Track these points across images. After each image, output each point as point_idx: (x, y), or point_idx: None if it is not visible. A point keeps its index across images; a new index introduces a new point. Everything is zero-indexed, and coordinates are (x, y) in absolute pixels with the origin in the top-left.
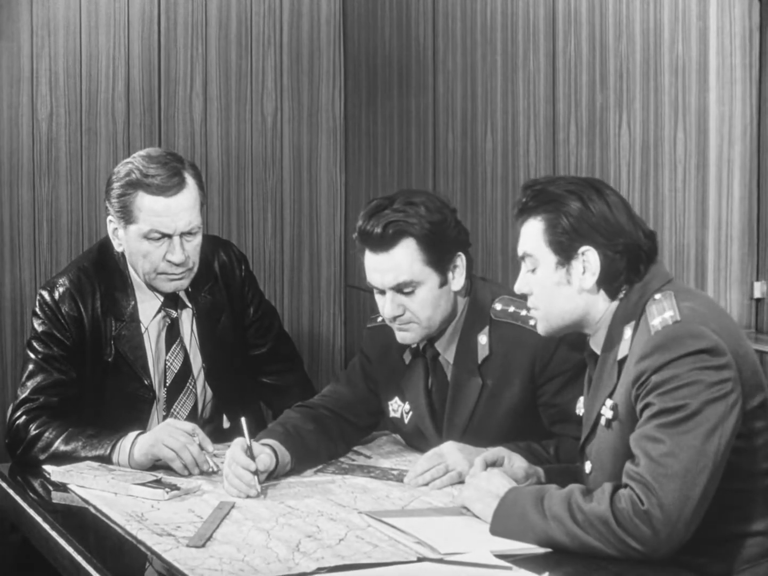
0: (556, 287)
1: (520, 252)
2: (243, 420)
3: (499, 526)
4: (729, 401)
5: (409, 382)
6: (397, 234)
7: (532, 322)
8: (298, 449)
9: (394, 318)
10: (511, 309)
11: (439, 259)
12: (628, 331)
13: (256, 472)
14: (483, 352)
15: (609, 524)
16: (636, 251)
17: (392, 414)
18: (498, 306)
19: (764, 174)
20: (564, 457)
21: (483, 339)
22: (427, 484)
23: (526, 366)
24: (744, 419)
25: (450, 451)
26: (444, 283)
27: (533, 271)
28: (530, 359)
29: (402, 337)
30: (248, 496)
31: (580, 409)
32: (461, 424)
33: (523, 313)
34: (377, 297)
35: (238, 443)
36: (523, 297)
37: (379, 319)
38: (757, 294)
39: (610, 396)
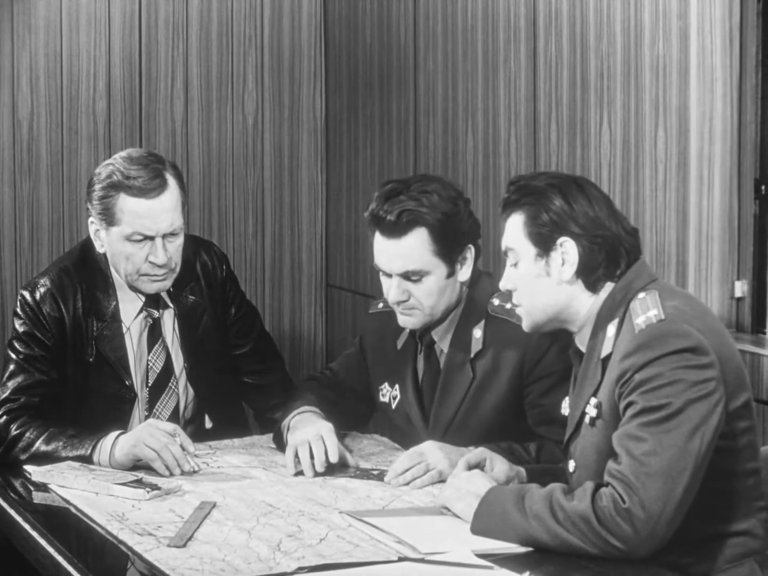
0: (536, 279)
1: (503, 247)
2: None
3: (480, 526)
4: (712, 401)
5: (399, 368)
6: (411, 223)
7: None
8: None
9: (398, 303)
10: (508, 305)
11: (449, 250)
12: (611, 329)
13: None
14: (476, 345)
15: (590, 522)
16: (615, 245)
17: (381, 399)
18: (496, 301)
19: (744, 173)
20: (545, 459)
21: (478, 333)
22: (407, 484)
23: (516, 363)
24: (727, 419)
25: (430, 450)
26: (451, 273)
27: (515, 265)
28: (520, 357)
29: (404, 321)
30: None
31: (565, 408)
32: (448, 416)
33: None
34: (383, 279)
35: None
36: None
37: (380, 305)
38: (737, 293)
39: (594, 394)
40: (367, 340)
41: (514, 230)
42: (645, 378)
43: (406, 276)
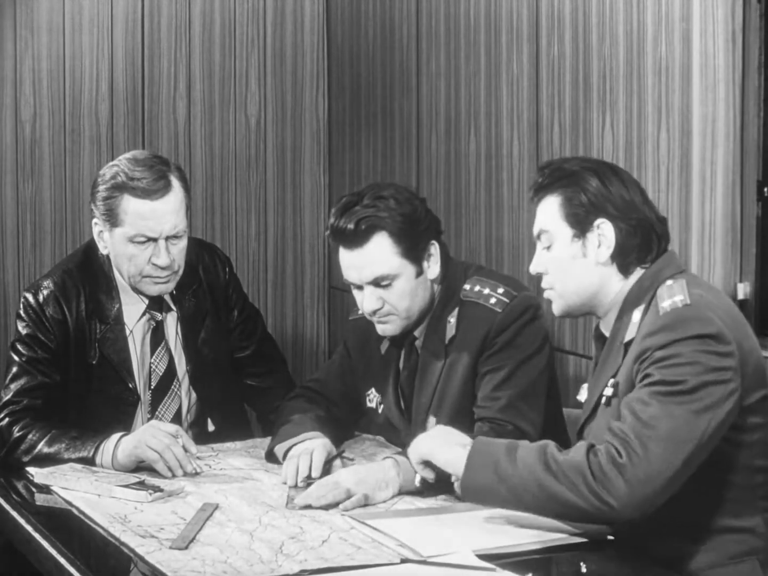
0: (572, 261)
1: (535, 231)
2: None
3: (471, 478)
4: (727, 388)
5: (383, 372)
6: (370, 229)
7: (492, 300)
8: (329, 436)
9: (374, 312)
10: (477, 288)
11: (413, 249)
12: (637, 315)
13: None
14: (450, 331)
15: (584, 474)
16: (649, 230)
17: (368, 404)
18: (467, 286)
19: (747, 175)
20: None
21: (452, 319)
22: (324, 508)
23: (479, 339)
24: (742, 413)
25: (346, 478)
26: (420, 272)
27: (548, 248)
28: (484, 332)
29: (382, 329)
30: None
31: (582, 394)
32: (426, 404)
33: (486, 291)
34: (355, 293)
35: (322, 451)
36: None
37: (360, 311)
38: (740, 295)
39: (614, 376)
40: (352, 346)
41: (549, 212)
42: (665, 355)
43: (377, 283)
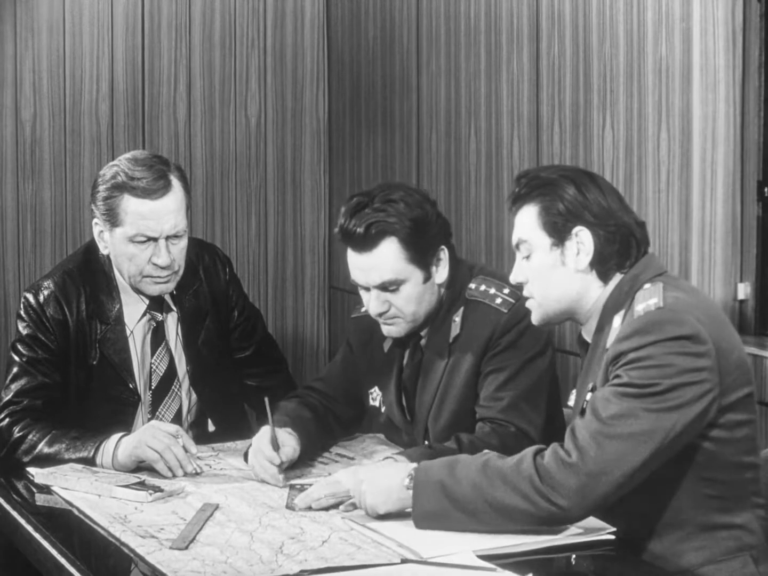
0: (552, 270)
1: (514, 240)
2: (266, 400)
3: (421, 508)
4: (702, 389)
5: (386, 370)
6: (380, 234)
7: (498, 300)
8: (303, 437)
9: (380, 314)
10: (483, 287)
11: (421, 255)
12: (617, 320)
13: (280, 465)
14: (455, 330)
15: (531, 479)
16: (627, 235)
17: (371, 402)
18: (473, 285)
19: (747, 175)
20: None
21: (457, 319)
22: (326, 509)
23: (484, 339)
24: (724, 410)
25: (347, 478)
26: (428, 278)
27: (528, 258)
28: (489, 333)
29: (388, 331)
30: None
31: (571, 400)
32: (428, 402)
33: (492, 291)
34: (362, 293)
35: (265, 432)
36: (519, 287)
37: (363, 309)
38: (740, 295)
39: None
40: (355, 343)
41: (528, 222)
42: (636, 357)
43: (384, 287)
